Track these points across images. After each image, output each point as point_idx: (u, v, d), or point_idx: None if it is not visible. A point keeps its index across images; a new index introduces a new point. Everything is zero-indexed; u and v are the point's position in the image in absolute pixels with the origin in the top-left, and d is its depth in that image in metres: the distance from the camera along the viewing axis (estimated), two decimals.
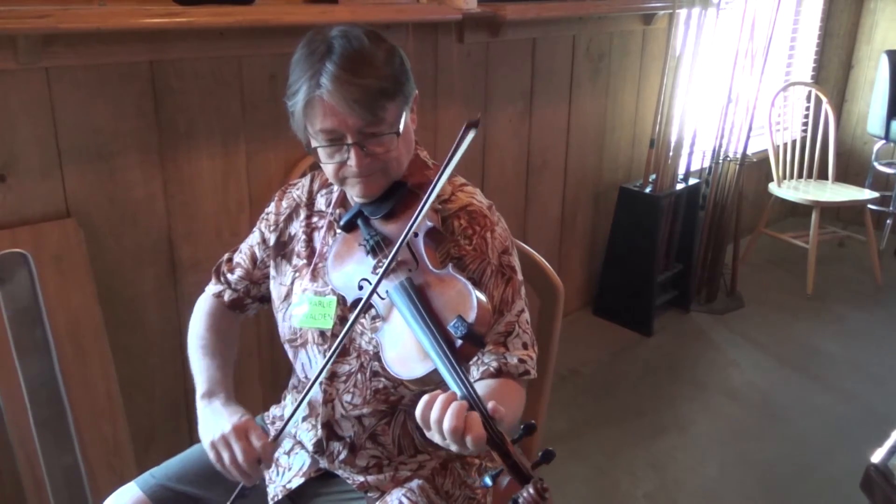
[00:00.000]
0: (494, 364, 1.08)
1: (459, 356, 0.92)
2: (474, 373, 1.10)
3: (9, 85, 1.56)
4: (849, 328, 3.27)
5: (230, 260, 1.35)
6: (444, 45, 2.37)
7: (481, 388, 1.06)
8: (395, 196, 1.13)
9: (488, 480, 0.82)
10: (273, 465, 1.27)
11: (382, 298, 1.04)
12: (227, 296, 1.33)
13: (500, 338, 1.11)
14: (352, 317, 1.04)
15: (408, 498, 1.15)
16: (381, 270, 1.03)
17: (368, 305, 1.05)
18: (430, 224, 1.07)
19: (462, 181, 1.22)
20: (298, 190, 1.30)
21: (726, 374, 2.88)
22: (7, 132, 1.58)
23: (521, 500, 0.80)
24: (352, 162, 1.07)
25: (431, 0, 2.21)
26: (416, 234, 1.06)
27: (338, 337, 1.06)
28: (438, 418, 0.86)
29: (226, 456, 1.07)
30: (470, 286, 0.97)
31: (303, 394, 1.07)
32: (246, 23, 1.77)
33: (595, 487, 2.23)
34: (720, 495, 2.21)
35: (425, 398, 0.88)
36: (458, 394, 0.88)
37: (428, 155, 1.25)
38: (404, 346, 0.98)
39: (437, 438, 0.88)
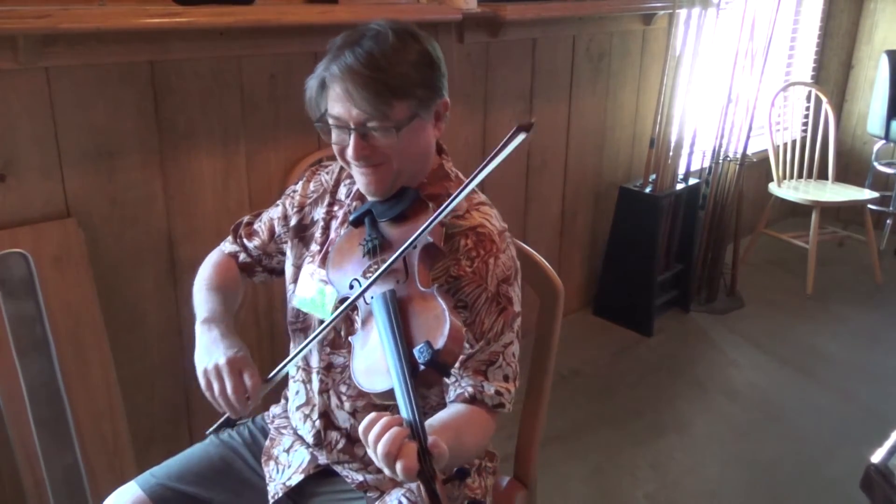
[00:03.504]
0: (470, 390, 1.07)
1: (418, 381, 0.89)
2: (451, 394, 1.09)
3: (9, 85, 1.56)
4: (849, 328, 3.27)
5: (249, 224, 1.38)
6: (444, 45, 2.35)
7: (447, 412, 1.05)
8: (405, 201, 1.12)
9: None
10: (273, 461, 1.27)
11: (367, 303, 1.04)
12: (241, 258, 1.37)
13: (482, 366, 1.09)
14: (333, 315, 1.07)
15: (407, 498, 1.15)
16: (371, 276, 1.03)
17: (353, 306, 1.06)
18: (429, 239, 1.03)
19: (480, 199, 1.19)
20: (328, 174, 1.30)
21: (726, 374, 2.88)
22: (7, 132, 1.58)
23: None
24: (349, 148, 1.09)
25: (431, 0, 2.21)
26: (414, 247, 1.03)
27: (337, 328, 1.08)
28: (375, 438, 0.83)
29: (216, 386, 1.09)
30: (447, 313, 0.93)
31: (302, 344, 1.12)
32: (246, 23, 1.77)
33: (595, 487, 2.23)
34: (720, 495, 2.21)
35: (371, 415, 0.85)
36: (405, 419, 0.85)
37: (454, 167, 1.23)
38: (374, 358, 0.96)
39: (372, 456, 0.85)
